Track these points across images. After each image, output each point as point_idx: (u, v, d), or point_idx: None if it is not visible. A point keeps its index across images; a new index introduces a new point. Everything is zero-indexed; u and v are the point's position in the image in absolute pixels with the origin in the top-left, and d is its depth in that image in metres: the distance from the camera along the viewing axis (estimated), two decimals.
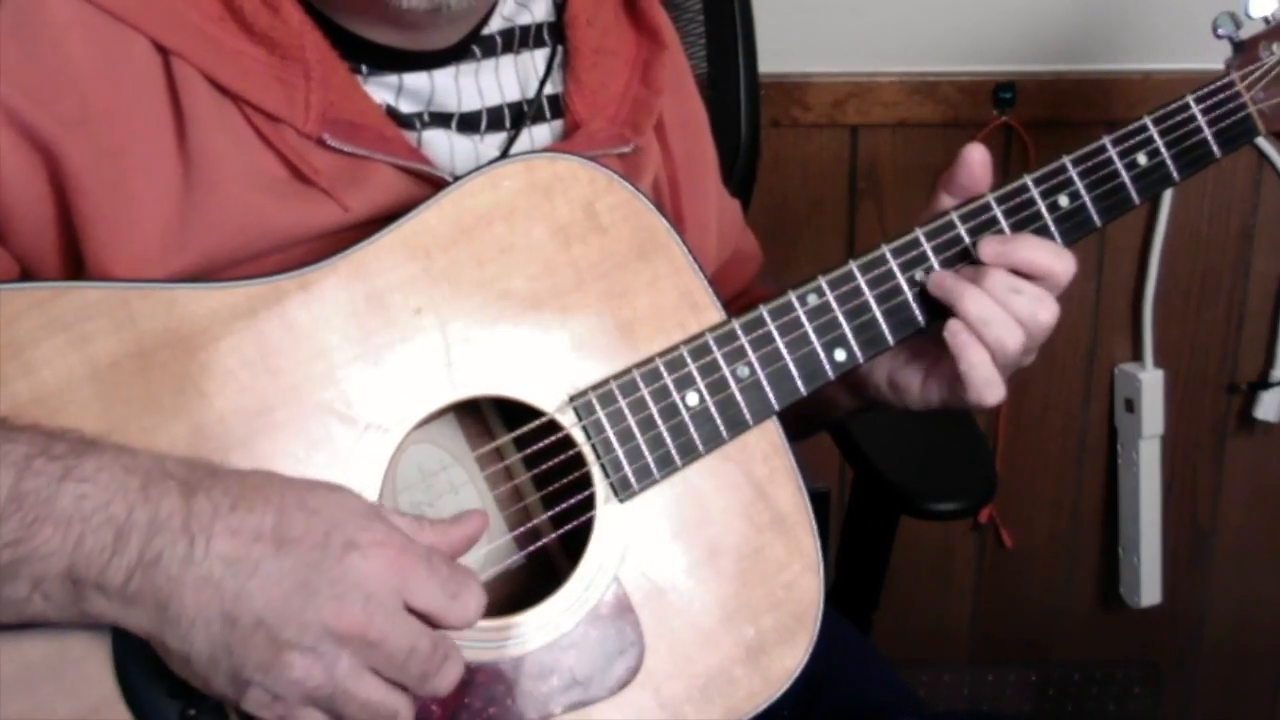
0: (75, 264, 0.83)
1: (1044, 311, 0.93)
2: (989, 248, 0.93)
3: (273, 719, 0.76)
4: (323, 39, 0.88)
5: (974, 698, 2.07)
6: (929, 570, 1.97)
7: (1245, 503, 1.97)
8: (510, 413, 0.91)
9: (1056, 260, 0.93)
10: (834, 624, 1.05)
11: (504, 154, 0.97)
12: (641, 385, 0.88)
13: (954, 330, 0.92)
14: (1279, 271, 1.84)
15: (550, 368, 0.88)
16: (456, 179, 0.92)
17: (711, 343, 0.90)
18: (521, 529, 0.92)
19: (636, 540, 0.88)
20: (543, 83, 0.99)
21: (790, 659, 0.90)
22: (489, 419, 0.93)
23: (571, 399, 0.87)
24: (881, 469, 1.30)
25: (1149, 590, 1.94)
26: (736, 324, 0.91)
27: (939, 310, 0.94)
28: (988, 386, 0.92)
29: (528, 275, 0.88)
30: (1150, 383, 1.85)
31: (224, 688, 0.75)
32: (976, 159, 0.96)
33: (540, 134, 0.99)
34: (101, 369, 0.79)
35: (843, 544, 1.40)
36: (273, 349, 0.82)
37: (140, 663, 0.78)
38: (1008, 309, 0.91)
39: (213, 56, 0.85)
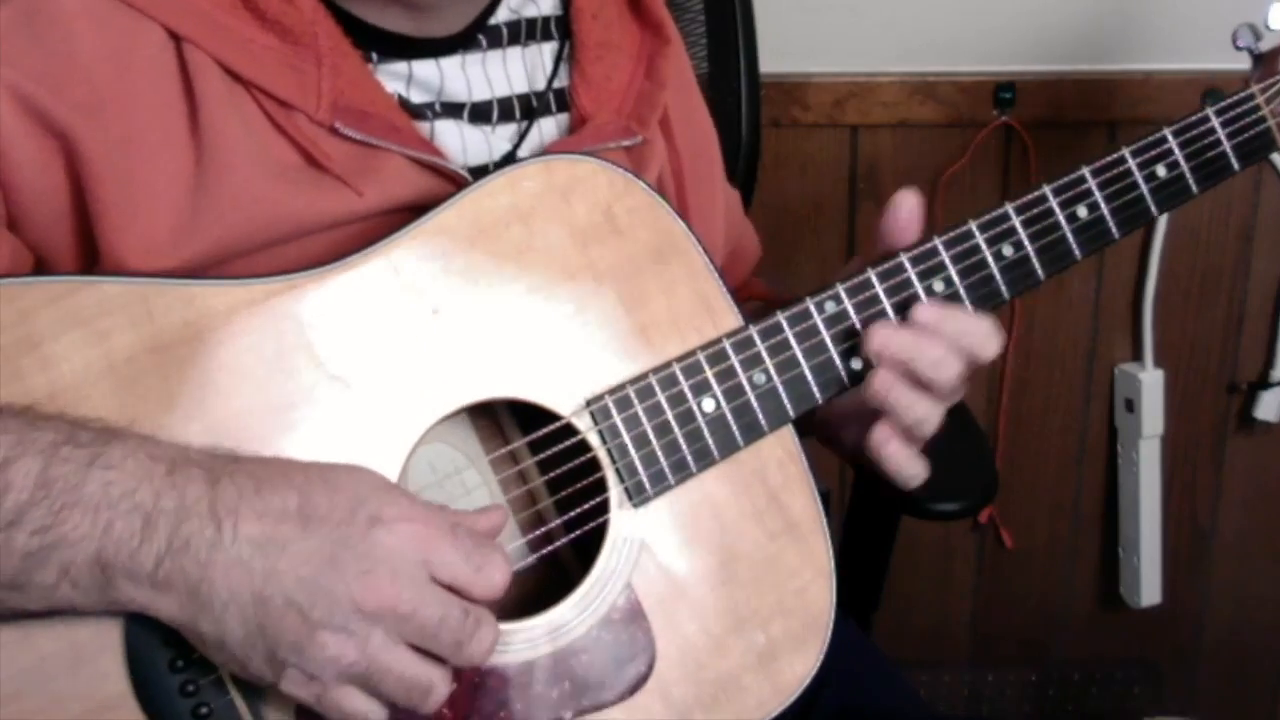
0: (90, 252, 0.84)
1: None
2: (924, 313, 0.90)
3: (310, 698, 0.76)
4: (335, 26, 0.88)
5: (974, 698, 2.07)
6: (929, 570, 1.97)
7: (1245, 503, 1.97)
8: (524, 416, 0.90)
9: (987, 342, 0.91)
10: (835, 623, 1.05)
11: (516, 147, 0.97)
12: (658, 390, 0.88)
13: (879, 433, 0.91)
14: (1279, 271, 1.84)
15: (566, 371, 0.87)
16: (470, 171, 0.92)
17: (729, 349, 0.90)
18: (534, 533, 0.92)
19: (650, 545, 0.88)
20: (552, 76, 0.99)
21: (801, 667, 0.90)
22: (503, 422, 0.93)
23: (588, 403, 0.87)
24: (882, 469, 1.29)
25: (1149, 590, 1.94)
26: (754, 330, 0.91)
27: None
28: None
29: (545, 277, 0.88)
30: (1150, 383, 1.85)
31: (261, 669, 0.76)
32: (905, 207, 0.93)
33: (547, 126, 1.00)
34: (119, 364, 0.79)
35: (843, 544, 1.40)
36: (289, 347, 0.83)
37: (153, 660, 0.78)
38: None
39: (224, 43, 0.85)
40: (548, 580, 0.91)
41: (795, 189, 1.79)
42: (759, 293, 1.18)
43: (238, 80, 0.85)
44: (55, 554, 0.73)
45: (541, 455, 0.89)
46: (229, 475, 0.76)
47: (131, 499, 0.74)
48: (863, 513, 1.38)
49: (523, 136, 0.97)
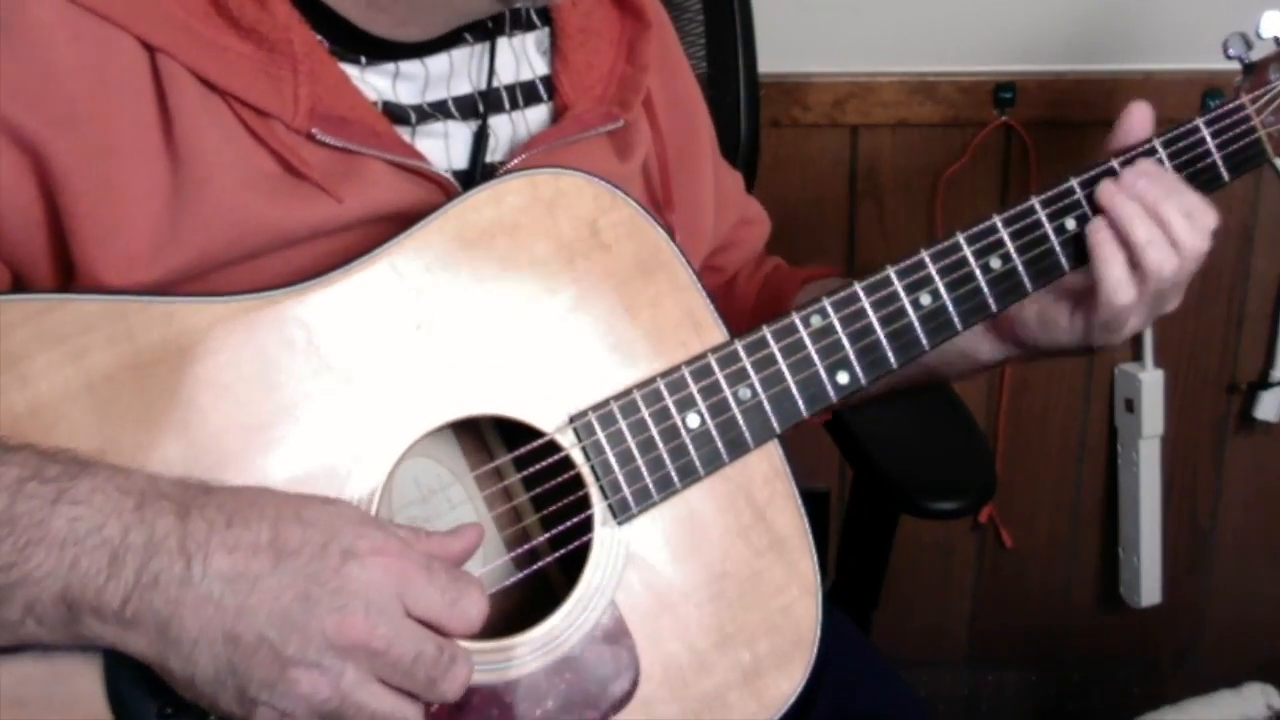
0: (67, 267, 0.83)
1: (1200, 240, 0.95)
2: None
3: None
4: (310, 33, 0.87)
5: (973, 698, 2.07)
6: (929, 570, 1.97)
7: (1245, 503, 1.97)
8: (510, 431, 0.90)
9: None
10: (835, 623, 1.05)
11: (482, 130, 0.96)
12: (642, 406, 0.88)
13: (1095, 228, 0.95)
14: (1279, 271, 1.84)
15: (551, 386, 0.87)
16: (455, 174, 0.92)
17: (714, 363, 0.89)
18: (519, 550, 0.91)
19: (634, 562, 0.88)
20: (490, 74, 0.97)
21: (786, 684, 0.90)
22: (488, 437, 0.92)
23: (571, 419, 0.87)
24: (881, 468, 1.30)
25: (1149, 590, 1.94)
26: (739, 345, 0.90)
27: (943, 334, 0.94)
28: (1119, 287, 0.94)
29: (530, 292, 0.87)
30: (1150, 383, 1.85)
31: (231, 706, 0.74)
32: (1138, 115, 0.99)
33: (532, 116, 0.99)
34: (97, 382, 0.78)
35: (843, 544, 1.40)
36: (270, 364, 0.82)
37: (132, 681, 0.77)
38: (1169, 233, 0.94)
39: (199, 52, 0.84)
40: (534, 596, 0.90)
41: (795, 189, 1.79)
42: (813, 273, 1.17)
43: (213, 90, 0.84)
44: (19, 591, 0.72)
45: (526, 471, 0.89)
46: (199, 508, 0.74)
47: (99, 534, 0.72)
48: (863, 512, 1.38)
49: (483, 129, 0.96)
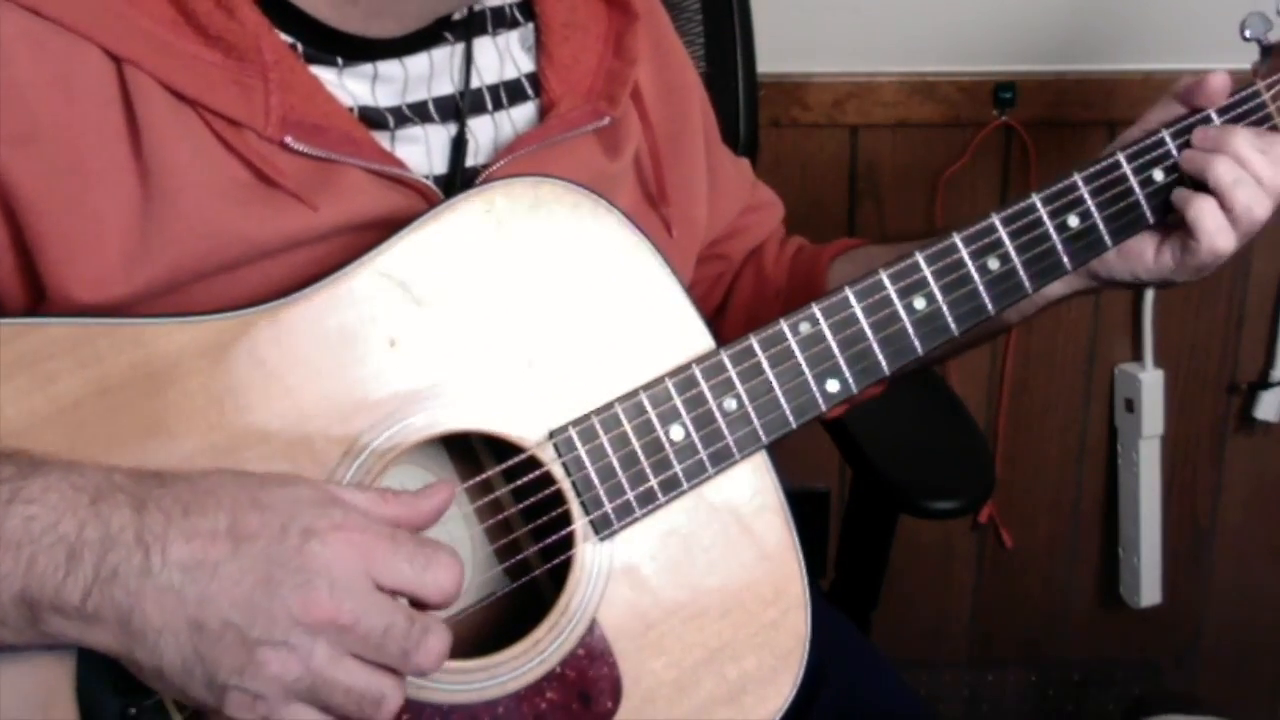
0: (38, 286, 0.81)
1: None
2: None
3: None
4: (280, 40, 0.86)
5: (974, 698, 2.07)
6: (929, 570, 1.97)
7: (1245, 502, 1.97)
8: (498, 443, 0.88)
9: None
10: (835, 623, 1.05)
11: (460, 133, 0.94)
12: (624, 419, 0.86)
13: (1179, 193, 0.96)
14: (1279, 271, 1.84)
15: (532, 400, 0.85)
16: (436, 179, 0.90)
17: (698, 375, 0.87)
18: (510, 562, 0.90)
19: (616, 578, 0.86)
20: (467, 75, 0.96)
21: (774, 699, 0.88)
22: (478, 449, 0.91)
23: (551, 434, 0.85)
24: (881, 468, 1.30)
25: (1149, 590, 1.94)
26: (725, 355, 0.88)
27: (937, 338, 0.93)
28: (1219, 233, 0.95)
29: (508, 304, 0.85)
30: (1150, 383, 1.85)
31: (202, 694, 0.73)
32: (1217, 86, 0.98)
33: (520, 114, 0.98)
34: (65, 408, 0.77)
35: (843, 544, 1.40)
36: (242, 386, 0.80)
37: (99, 681, 0.76)
38: (1252, 171, 0.95)
39: (167, 62, 0.82)
40: (528, 609, 0.89)
41: (795, 189, 1.79)
42: (837, 249, 1.16)
43: (183, 100, 0.82)
44: None
45: (515, 484, 0.87)
46: (155, 500, 0.73)
47: (54, 532, 0.72)
48: (862, 512, 1.38)
49: (463, 131, 0.95)
